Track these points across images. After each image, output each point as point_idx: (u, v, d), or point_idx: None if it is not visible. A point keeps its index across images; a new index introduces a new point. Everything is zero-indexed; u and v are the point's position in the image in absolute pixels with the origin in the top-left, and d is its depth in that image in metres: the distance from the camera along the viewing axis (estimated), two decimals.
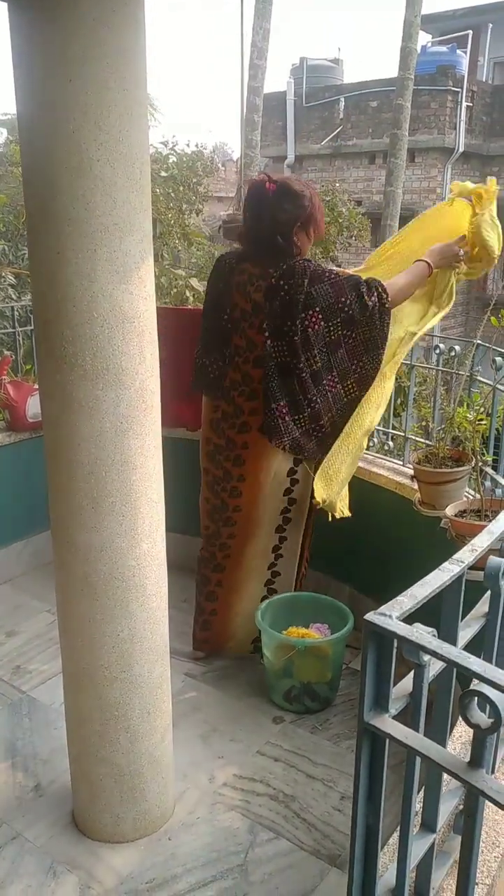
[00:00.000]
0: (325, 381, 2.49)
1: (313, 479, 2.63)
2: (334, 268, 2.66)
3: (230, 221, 4.14)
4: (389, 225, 7.58)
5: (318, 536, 3.14)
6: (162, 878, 1.97)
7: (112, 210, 1.61)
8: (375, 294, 2.45)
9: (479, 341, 2.54)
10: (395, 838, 1.15)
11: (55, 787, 2.28)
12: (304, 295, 2.41)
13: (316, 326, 2.43)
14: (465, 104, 12.07)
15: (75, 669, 1.95)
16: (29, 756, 2.41)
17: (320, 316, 2.42)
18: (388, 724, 0.82)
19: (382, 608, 0.85)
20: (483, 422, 2.16)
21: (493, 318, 2.21)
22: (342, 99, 13.30)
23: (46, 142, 1.56)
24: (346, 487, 2.76)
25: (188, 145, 7.79)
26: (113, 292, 1.65)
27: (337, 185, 7.52)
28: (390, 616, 0.81)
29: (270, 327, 2.46)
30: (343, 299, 2.42)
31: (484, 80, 14.66)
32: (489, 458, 2.32)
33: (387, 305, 2.47)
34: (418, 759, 0.87)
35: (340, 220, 6.12)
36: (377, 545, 2.98)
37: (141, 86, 1.60)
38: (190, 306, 5.22)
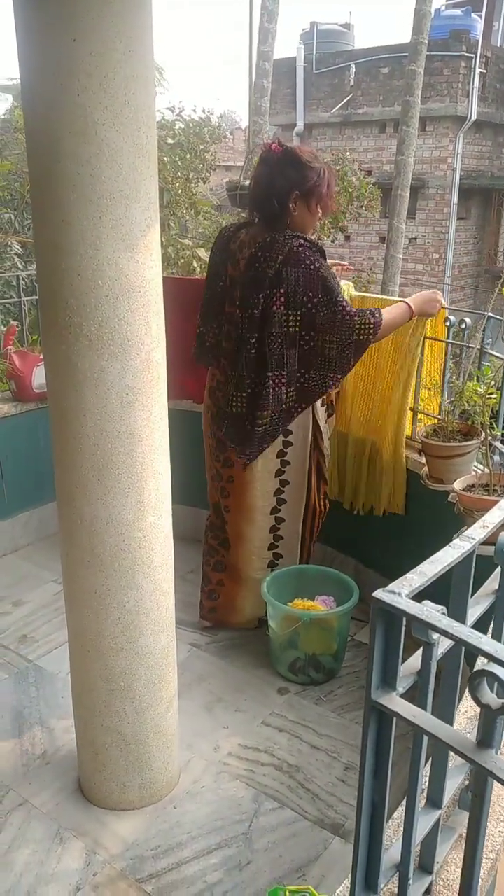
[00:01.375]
0: (269, 374, 2.39)
1: (313, 466, 2.64)
2: (329, 264, 2.54)
3: (234, 188, 4.07)
4: (400, 195, 7.44)
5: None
6: (167, 846, 1.99)
7: (118, 176, 1.57)
8: (371, 329, 2.36)
9: (490, 314, 2.49)
10: (399, 812, 1.15)
11: (61, 755, 2.30)
12: (273, 272, 2.34)
13: (276, 308, 2.34)
14: (478, 71, 11.81)
15: (81, 639, 1.96)
16: (35, 724, 2.43)
17: (283, 300, 2.34)
18: (396, 703, 0.81)
19: (391, 585, 0.84)
20: (493, 396, 2.13)
21: (502, 289, 2.16)
22: (353, 65, 13.04)
23: (50, 105, 1.52)
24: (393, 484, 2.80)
25: (195, 110, 7.66)
26: (119, 261, 1.62)
27: (348, 153, 7.36)
28: (399, 594, 0.80)
29: (240, 297, 2.43)
30: (310, 294, 2.33)
31: (499, 45, 14.33)
32: (499, 433, 2.29)
33: (370, 340, 2.39)
34: (425, 738, 0.86)
35: (350, 190, 6.02)
36: (383, 519, 2.97)
37: (147, 47, 1.56)
38: (197, 276, 5.17)
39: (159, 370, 1.79)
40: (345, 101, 13.28)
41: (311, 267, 2.34)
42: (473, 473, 2.27)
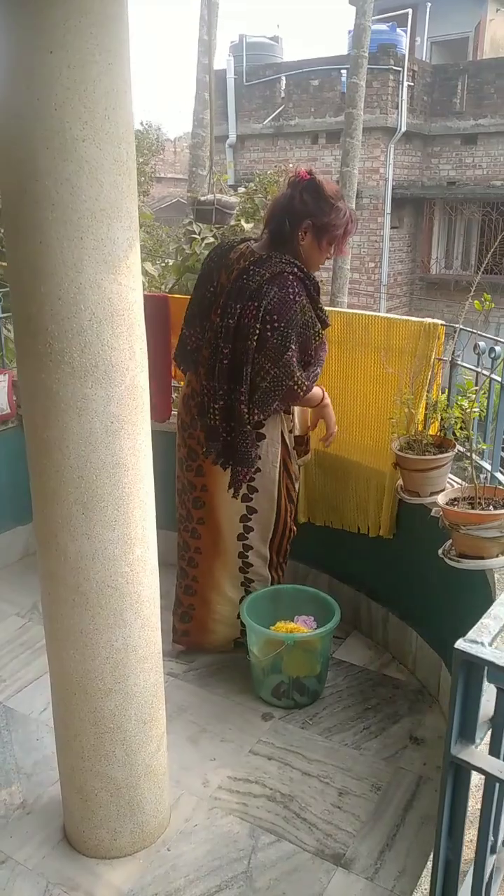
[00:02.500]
0: (233, 387, 2.38)
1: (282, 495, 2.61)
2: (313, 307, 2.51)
3: (204, 204, 4.00)
4: None
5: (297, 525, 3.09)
6: (165, 892, 1.89)
7: (99, 194, 1.49)
8: (303, 388, 2.38)
9: (461, 326, 2.50)
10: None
11: (43, 803, 2.17)
12: (256, 285, 2.31)
13: (248, 320, 2.31)
14: (406, 83, 12.07)
15: (66, 682, 1.85)
16: (11, 771, 2.30)
17: (254, 313, 2.30)
18: (477, 757, 0.76)
19: (471, 635, 0.79)
20: (476, 409, 2.13)
21: (476, 301, 2.16)
22: (283, 77, 13.15)
23: (25, 120, 1.43)
24: (385, 506, 2.77)
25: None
26: (101, 283, 1.54)
27: (291, 165, 7.39)
28: (482, 643, 0.75)
29: (222, 305, 2.39)
30: (275, 317, 2.29)
31: (423, 59, 14.70)
32: (484, 447, 2.29)
33: (298, 396, 2.40)
34: (497, 786, 0.82)
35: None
36: (355, 533, 2.94)
37: (125, 58, 1.48)
38: (145, 292, 5.06)
39: (143, 395, 1.71)
40: (276, 112, 13.37)
41: (290, 295, 2.30)
42: (457, 487, 2.26)
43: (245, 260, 2.40)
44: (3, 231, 2.80)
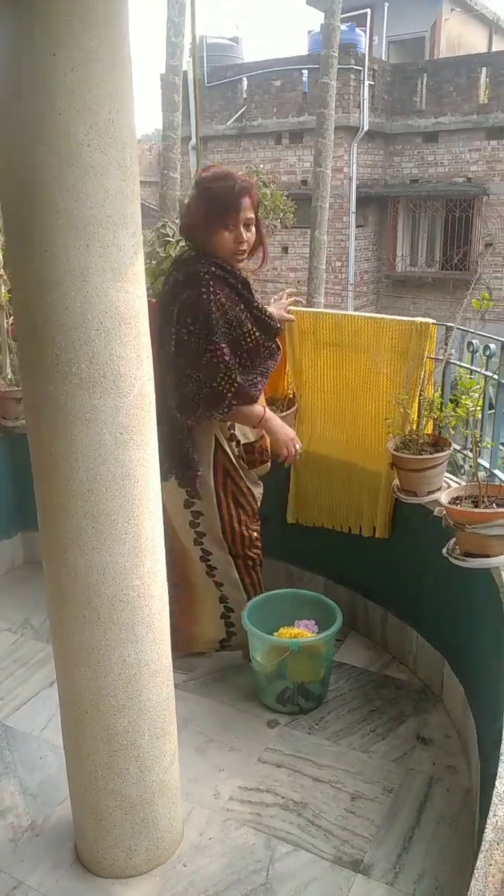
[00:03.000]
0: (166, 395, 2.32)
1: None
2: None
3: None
4: (320, 206, 7.51)
5: (285, 528, 3.07)
6: None
7: (104, 201, 1.45)
8: (233, 389, 2.26)
9: (452, 324, 2.50)
10: None
11: (52, 824, 2.12)
12: (171, 288, 2.33)
13: (165, 325, 2.32)
14: (367, 83, 12.15)
15: (77, 701, 1.80)
16: (17, 793, 2.24)
17: (169, 317, 2.30)
18: None
19: None
20: (478, 408, 2.13)
21: (474, 301, 2.17)
22: (245, 78, 13.15)
23: (29, 124, 1.38)
24: (381, 506, 2.75)
25: None
26: (108, 291, 1.50)
27: (261, 166, 7.38)
28: None
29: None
30: (189, 320, 2.23)
31: (382, 59, 14.82)
32: (489, 445, 2.29)
33: (229, 402, 2.28)
34: None
35: (266, 203, 6.02)
36: (350, 534, 2.93)
37: (127, 59, 1.45)
38: None
39: (151, 404, 1.68)
40: (238, 113, 13.37)
41: (205, 294, 2.22)
42: (460, 485, 2.26)
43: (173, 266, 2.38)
44: (3, 240, 2.74)
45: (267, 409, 2.45)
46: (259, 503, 2.65)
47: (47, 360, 1.52)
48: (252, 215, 2.30)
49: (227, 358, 2.25)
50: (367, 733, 2.46)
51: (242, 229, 2.27)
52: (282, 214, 6.31)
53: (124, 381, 1.57)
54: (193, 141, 13.96)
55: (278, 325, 2.46)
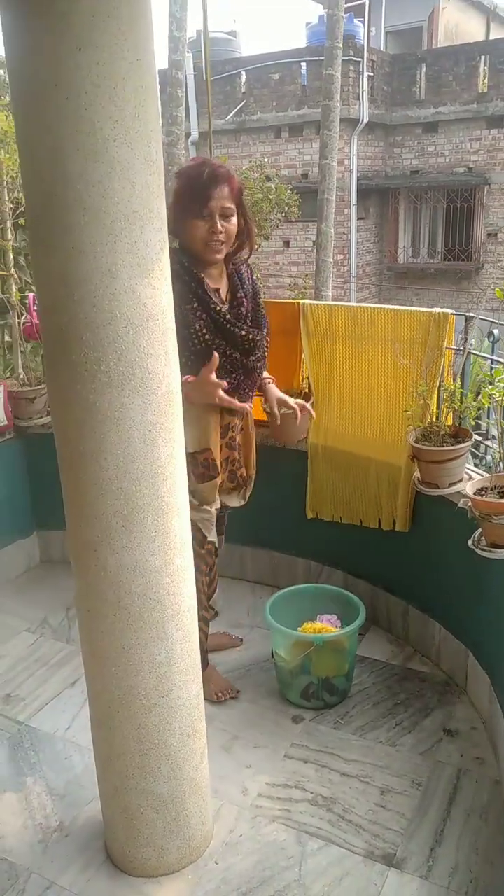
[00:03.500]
0: None
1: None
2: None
3: None
4: (327, 199, 7.47)
5: (305, 524, 3.07)
6: None
7: (131, 196, 1.44)
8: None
9: (472, 314, 2.49)
10: None
11: (80, 824, 2.12)
12: None
13: None
14: (366, 74, 12.09)
15: (108, 701, 1.80)
16: (44, 793, 2.23)
17: None
18: None
19: None
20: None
21: (497, 290, 2.15)
22: (243, 72, 13.09)
23: (54, 121, 1.37)
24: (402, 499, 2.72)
25: None
26: (135, 288, 1.49)
27: (266, 160, 7.34)
28: None
29: None
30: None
31: (380, 49, 14.75)
32: None
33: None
34: None
35: (271, 197, 5.98)
36: (368, 527, 2.92)
37: (152, 53, 1.43)
38: None
39: (178, 402, 1.66)
40: (238, 107, 13.31)
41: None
42: (486, 476, 2.25)
43: None
44: (26, 240, 2.67)
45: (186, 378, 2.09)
46: (215, 526, 2.42)
47: (75, 358, 1.51)
48: (230, 204, 2.15)
49: None
50: (393, 727, 2.45)
51: (218, 219, 2.13)
52: (286, 208, 6.27)
53: (153, 378, 1.56)
54: (194, 136, 13.93)
55: (243, 333, 2.23)
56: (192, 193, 2.12)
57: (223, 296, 2.28)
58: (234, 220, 2.18)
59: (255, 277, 2.43)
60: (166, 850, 1.92)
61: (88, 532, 1.64)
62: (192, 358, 2.16)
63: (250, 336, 2.26)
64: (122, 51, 1.36)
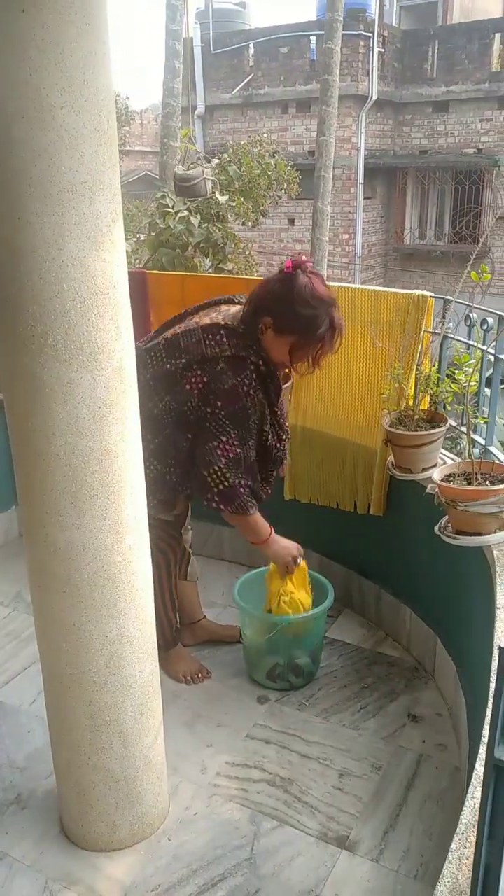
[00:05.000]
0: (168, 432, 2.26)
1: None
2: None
3: (186, 179, 3.89)
4: (323, 176, 7.36)
5: (283, 505, 3.05)
6: (168, 883, 1.86)
7: (79, 166, 1.40)
8: (224, 484, 2.17)
9: (450, 297, 2.44)
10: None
11: (38, 797, 2.13)
12: (213, 354, 2.14)
13: (189, 386, 2.17)
14: (377, 50, 11.88)
15: (59, 676, 1.79)
16: (4, 765, 2.24)
17: (198, 384, 2.15)
18: None
19: None
20: (474, 383, 2.08)
21: (473, 272, 2.11)
22: (251, 45, 12.88)
23: None
24: (376, 483, 2.70)
25: None
26: (84, 260, 1.46)
27: (265, 135, 7.22)
28: None
29: (175, 337, 2.25)
30: (219, 403, 2.12)
31: (392, 24, 14.48)
32: (483, 421, 2.25)
33: (218, 497, 2.19)
34: None
35: (269, 173, 5.91)
36: (345, 510, 2.90)
37: (104, 19, 1.39)
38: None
39: (131, 378, 1.64)
40: (245, 81, 13.12)
41: (244, 388, 2.12)
42: (453, 462, 2.22)
43: (219, 315, 2.22)
44: None
45: (273, 533, 2.35)
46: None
47: (22, 331, 1.48)
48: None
49: (232, 455, 2.15)
50: (358, 710, 2.45)
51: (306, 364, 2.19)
52: (286, 185, 6.19)
53: (102, 353, 1.53)
54: (200, 109, 13.74)
55: (288, 436, 2.42)
56: (321, 342, 2.10)
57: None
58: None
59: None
60: (118, 826, 1.93)
61: (37, 508, 1.63)
62: (257, 456, 2.27)
63: (287, 437, 2.42)
64: (69, 14, 1.32)
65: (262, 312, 2.11)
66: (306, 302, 2.05)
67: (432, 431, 2.42)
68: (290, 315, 2.07)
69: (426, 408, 2.54)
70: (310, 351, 2.13)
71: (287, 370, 2.30)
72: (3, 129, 1.35)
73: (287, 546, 2.39)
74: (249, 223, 6.02)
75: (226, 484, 2.16)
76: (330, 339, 2.11)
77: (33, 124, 1.35)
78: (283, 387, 2.65)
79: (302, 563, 2.45)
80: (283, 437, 2.38)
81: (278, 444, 2.35)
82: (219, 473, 2.16)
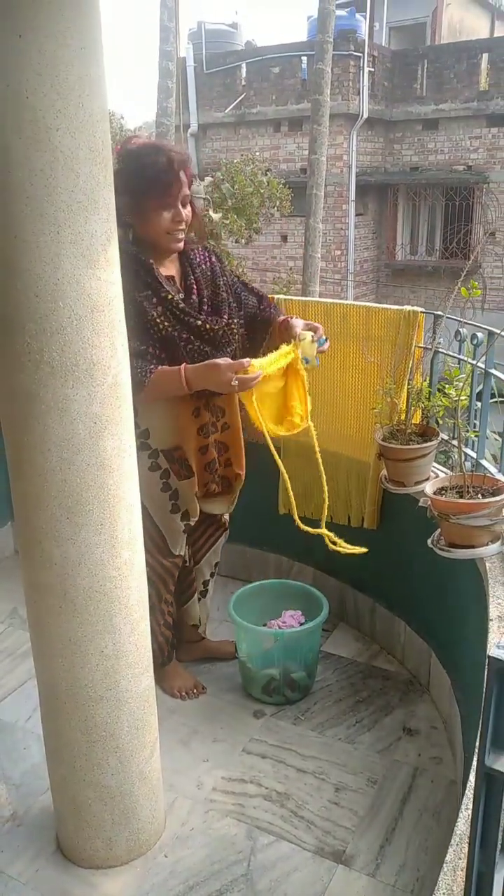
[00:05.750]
0: None
1: None
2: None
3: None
4: (315, 194, 7.43)
5: (277, 519, 3.06)
6: None
7: (75, 186, 1.43)
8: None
9: (441, 313, 2.47)
10: None
11: (34, 814, 2.12)
12: None
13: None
14: (367, 69, 12.04)
15: (54, 692, 1.79)
16: None
17: None
18: None
19: None
20: (464, 397, 2.11)
21: (463, 289, 2.14)
22: (244, 65, 13.04)
23: None
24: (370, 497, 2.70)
25: None
26: (80, 278, 1.48)
27: (257, 153, 7.30)
28: None
29: None
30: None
31: (382, 45, 14.69)
32: (473, 435, 2.27)
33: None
34: None
35: (262, 191, 5.96)
36: (338, 524, 2.91)
37: (99, 43, 1.42)
38: None
39: (126, 394, 1.65)
40: (237, 100, 13.26)
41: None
42: (444, 476, 2.24)
43: None
44: None
45: (185, 370, 2.06)
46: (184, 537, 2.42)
47: (18, 348, 1.50)
48: (188, 191, 2.09)
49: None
50: (353, 724, 2.45)
51: (180, 207, 2.07)
52: (278, 202, 6.24)
53: (97, 369, 1.55)
54: (193, 127, 13.87)
55: (199, 323, 2.13)
56: (153, 180, 2.01)
57: (178, 283, 2.20)
58: (189, 205, 2.12)
59: (216, 259, 2.31)
60: (114, 842, 1.92)
61: (33, 523, 1.64)
62: (158, 346, 2.10)
63: (208, 325, 2.14)
64: (65, 38, 1.35)
65: (125, 200, 1.95)
66: (140, 154, 2.02)
67: (424, 445, 2.44)
68: (140, 177, 2.00)
69: (418, 422, 2.56)
70: (175, 196, 2.04)
71: (180, 235, 2.11)
72: (1, 150, 1.38)
73: (212, 369, 2.02)
74: (242, 240, 6.07)
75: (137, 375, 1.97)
76: (179, 170, 2.01)
77: (30, 144, 1.37)
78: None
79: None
80: (185, 323, 2.12)
81: (182, 329, 2.12)
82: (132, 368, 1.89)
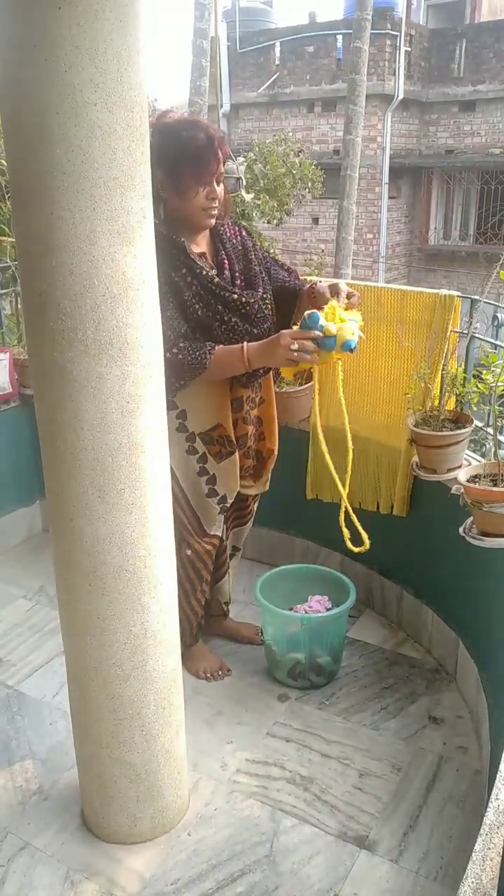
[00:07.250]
0: None
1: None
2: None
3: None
4: (349, 175, 7.34)
5: (305, 504, 3.04)
6: (187, 878, 1.87)
7: (112, 162, 1.41)
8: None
9: (478, 297, 2.43)
10: None
11: (59, 789, 2.14)
12: None
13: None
14: (403, 49, 11.82)
15: (83, 669, 1.81)
16: (26, 757, 2.26)
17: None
18: None
19: None
20: (501, 383, 2.07)
21: (502, 272, 2.09)
22: (278, 44, 12.87)
23: (34, 83, 1.34)
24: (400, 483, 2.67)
25: None
26: (115, 256, 1.47)
27: (290, 133, 7.19)
28: None
29: None
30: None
31: (419, 23, 14.40)
32: None
33: (193, 369, 2.04)
34: None
35: (294, 172, 5.90)
36: (367, 510, 2.89)
37: (138, 16, 1.40)
38: None
39: (159, 373, 1.65)
40: (271, 80, 13.11)
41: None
42: (478, 463, 2.21)
43: None
44: (9, 204, 2.69)
45: (247, 349, 2.05)
46: (218, 513, 2.39)
47: (52, 326, 1.49)
48: (223, 169, 2.07)
49: (174, 328, 2.03)
50: (378, 711, 2.44)
51: (215, 184, 2.05)
52: (310, 184, 6.17)
53: (131, 348, 1.54)
54: (226, 107, 13.74)
55: (234, 297, 2.10)
56: (192, 157, 1.98)
57: (209, 259, 2.18)
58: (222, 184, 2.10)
59: (246, 234, 2.28)
60: (139, 819, 1.94)
61: (65, 501, 1.64)
62: (194, 326, 2.10)
63: (244, 299, 2.11)
64: (104, 11, 1.33)
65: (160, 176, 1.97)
66: (178, 128, 2.00)
67: (458, 432, 2.40)
68: (179, 154, 1.99)
69: (452, 408, 2.52)
70: (212, 174, 2.02)
71: (213, 213, 2.09)
72: (38, 124, 1.36)
73: (272, 345, 1.99)
74: (274, 221, 6.01)
75: (180, 358, 2.03)
76: (218, 148, 1.99)
77: (67, 120, 1.36)
78: (306, 386, 2.60)
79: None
80: (225, 301, 2.11)
81: (222, 308, 2.11)
82: (174, 349, 2.01)
